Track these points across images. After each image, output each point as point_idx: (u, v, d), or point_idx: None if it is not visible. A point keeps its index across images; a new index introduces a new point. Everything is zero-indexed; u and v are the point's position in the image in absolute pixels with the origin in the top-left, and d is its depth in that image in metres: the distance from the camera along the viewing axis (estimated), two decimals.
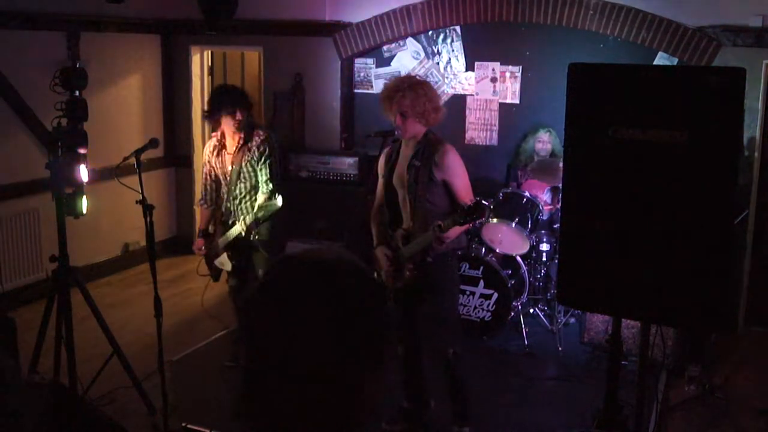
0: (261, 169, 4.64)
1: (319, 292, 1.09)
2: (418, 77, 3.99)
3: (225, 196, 4.77)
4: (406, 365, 4.16)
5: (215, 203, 4.85)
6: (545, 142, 6.02)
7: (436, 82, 6.64)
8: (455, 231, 3.67)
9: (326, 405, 1.09)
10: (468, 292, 5.47)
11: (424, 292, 3.92)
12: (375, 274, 3.91)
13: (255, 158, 4.64)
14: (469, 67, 6.61)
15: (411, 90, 3.75)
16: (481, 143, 6.65)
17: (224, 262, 4.80)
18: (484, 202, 3.50)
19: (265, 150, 4.64)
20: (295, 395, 1.09)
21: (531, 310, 5.82)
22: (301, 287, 1.10)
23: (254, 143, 4.64)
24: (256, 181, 4.67)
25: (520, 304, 5.65)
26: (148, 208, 3.89)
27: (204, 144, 7.69)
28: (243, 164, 4.65)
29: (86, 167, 4.10)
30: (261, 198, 4.60)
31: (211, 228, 4.92)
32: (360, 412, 1.13)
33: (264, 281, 1.14)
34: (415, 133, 3.81)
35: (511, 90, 6.51)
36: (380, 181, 4.08)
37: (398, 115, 3.75)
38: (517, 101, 6.50)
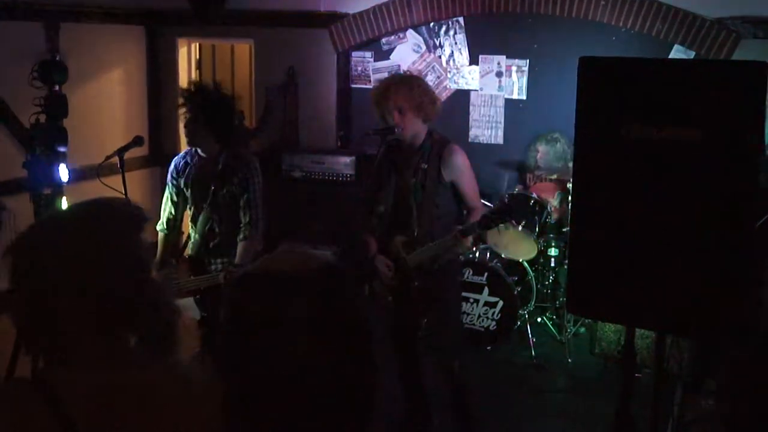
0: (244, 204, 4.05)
1: (285, 306, 1.12)
2: (406, 72, 4.00)
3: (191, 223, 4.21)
4: (406, 377, 4.16)
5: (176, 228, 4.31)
6: (542, 153, 6.09)
7: (439, 77, 6.65)
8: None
9: (317, 413, 1.12)
10: (472, 300, 5.47)
11: (428, 301, 3.92)
12: (368, 287, 3.92)
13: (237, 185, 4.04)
14: (473, 61, 6.61)
15: (402, 84, 3.76)
16: (485, 141, 6.66)
17: (190, 307, 4.05)
18: (512, 203, 3.57)
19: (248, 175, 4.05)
20: (285, 406, 1.11)
21: (538, 319, 5.82)
22: (267, 305, 1.13)
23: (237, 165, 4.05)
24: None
25: (527, 312, 5.65)
26: None
27: None
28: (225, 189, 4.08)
29: (66, 166, 4.10)
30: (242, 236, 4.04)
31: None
32: (353, 418, 1.16)
33: (230, 308, 1.17)
34: (416, 131, 3.80)
35: (517, 85, 6.51)
36: (374, 185, 4.04)
37: (395, 111, 3.73)
38: (523, 97, 6.51)
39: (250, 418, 1.13)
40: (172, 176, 4.21)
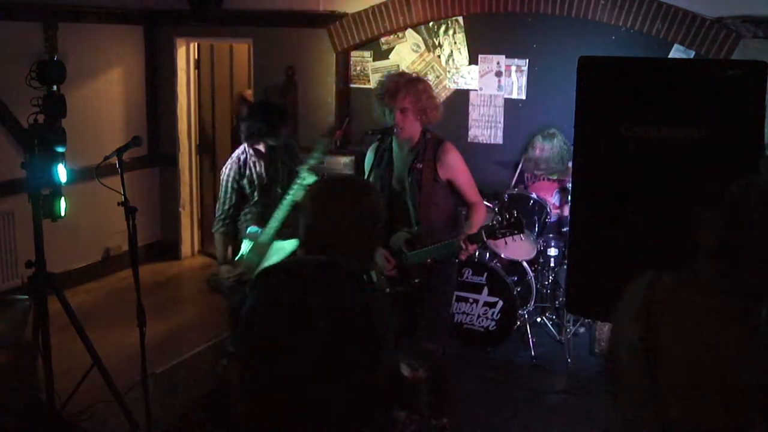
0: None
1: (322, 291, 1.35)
2: (413, 74, 4.08)
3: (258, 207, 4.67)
4: None
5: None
6: (542, 149, 6.10)
7: (438, 77, 6.65)
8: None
9: (327, 401, 1.16)
10: (471, 300, 5.47)
11: (425, 294, 3.96)
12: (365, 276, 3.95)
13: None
14: (473, 61, 6.61)
15: (412, 86, 3.82)
16: (485, 141, 6.66)
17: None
18: (521, 217, 3.67)
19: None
20: (298, 391, 1.17)
21: (538, 319, 5.82)
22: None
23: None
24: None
25: (527, 312, 5.65)
26: (130, 211, 3.88)
27: (189, 142, 7.70)
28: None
29: (65, 167, 4.09)
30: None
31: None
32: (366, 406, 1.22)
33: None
34: (412, 132, 3.85)
35: (516, 85, 6.51)
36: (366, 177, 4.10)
37: (398, 112, 3.78)
38: (523, 97, 6.51)
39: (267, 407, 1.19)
40: (235, 179, 4.60)
